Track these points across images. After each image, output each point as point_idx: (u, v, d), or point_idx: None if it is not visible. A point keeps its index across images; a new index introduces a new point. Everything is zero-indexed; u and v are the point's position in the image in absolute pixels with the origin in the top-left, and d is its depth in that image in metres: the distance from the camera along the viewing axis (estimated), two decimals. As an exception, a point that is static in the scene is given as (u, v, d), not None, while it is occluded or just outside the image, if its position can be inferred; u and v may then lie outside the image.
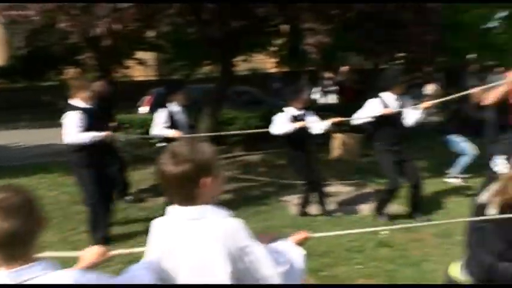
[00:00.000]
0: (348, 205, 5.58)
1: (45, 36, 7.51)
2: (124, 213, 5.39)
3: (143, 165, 7.10)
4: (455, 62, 10.54)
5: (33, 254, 1.18)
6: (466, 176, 6.17)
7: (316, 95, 12.00)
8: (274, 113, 5.03)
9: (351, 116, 4.89)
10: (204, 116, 7.34)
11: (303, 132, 4.80)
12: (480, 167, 3.57)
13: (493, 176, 1.83)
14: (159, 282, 1.38)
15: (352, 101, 9.74)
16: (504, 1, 8.94)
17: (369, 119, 4.72)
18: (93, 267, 1.47)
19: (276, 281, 1.34)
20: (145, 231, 1.55)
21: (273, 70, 18.79)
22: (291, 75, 15.03)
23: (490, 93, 4.31)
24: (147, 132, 5.96)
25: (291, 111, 4.90)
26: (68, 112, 4.19)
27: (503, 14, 10.43)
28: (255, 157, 8.46)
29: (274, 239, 1.62)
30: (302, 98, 4.98)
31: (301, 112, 4.91)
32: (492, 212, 1.72)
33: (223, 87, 7.85)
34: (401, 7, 6.33)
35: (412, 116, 4.69)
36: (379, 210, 4.86)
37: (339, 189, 6.22)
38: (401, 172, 4.72)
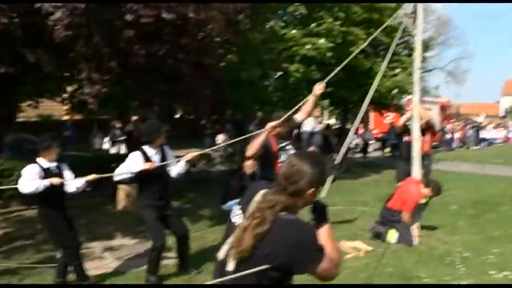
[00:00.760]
0: (130, 259, 5.59)
1: None
2: None
3: None
4: (239, 114, 12.23)
5: None
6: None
7: (106, 145, 11.99)
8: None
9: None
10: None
11: (56, 189, 4.28)
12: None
13: (230, 227, 1.79)
14: None
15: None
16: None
17: (131, 174, 4.57)
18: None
19: None
20: None
21: (66, 118, 18.10)
22: (83, 124, 14.54)
23: (251, 145, 4.47)
24: None
25: (41, 163, 4.33)
26: None
27: (278, 73, 12.79)
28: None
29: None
30: (53, 149, 4.39)
31: (53, 165, 4.40)
32: (230, 269, 1.66)
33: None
34: (181, 61, 7.09)
35: (175, 168, 4.73)
36: (150, 269, 4.61)
37: (122, 243, 6.19)
38: (167, 226, 4.72)
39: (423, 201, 5.85)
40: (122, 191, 5.13)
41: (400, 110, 15.53)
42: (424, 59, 15.88)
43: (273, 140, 4.55)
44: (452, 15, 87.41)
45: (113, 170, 4.90)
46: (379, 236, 5.97)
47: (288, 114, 4.44)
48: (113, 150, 12.10)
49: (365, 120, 22.52)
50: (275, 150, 4.55)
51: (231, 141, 4.98)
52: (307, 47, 10.08)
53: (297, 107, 4.61)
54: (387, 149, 20.11)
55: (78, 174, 4.59)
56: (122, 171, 4.61)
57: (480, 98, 68.96)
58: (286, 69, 10.84)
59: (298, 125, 5.10)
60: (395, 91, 12.39)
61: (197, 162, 9.63)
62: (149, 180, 4.56)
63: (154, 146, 4.65)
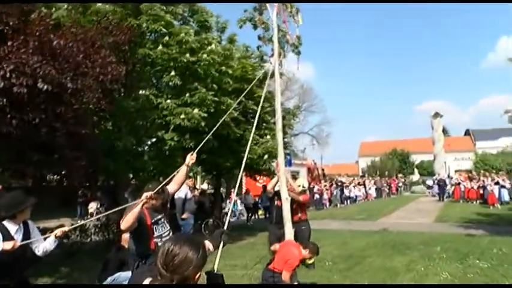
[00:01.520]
0: None
1: None
2: None
3: None
4: (113, 181, 12.29)
5: None
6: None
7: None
8: None
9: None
10: None
11: None
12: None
13: None
14: None
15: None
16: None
17: None
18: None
19: None
20: None
21: None
22: None
23: (126, 218, 4.22)
24: None
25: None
26: None
27: (152, 140, 13.30)
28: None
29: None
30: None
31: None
32: None
33: None
34: (56, 130, 7.29)
35: (43, 246, 4.37)
36: None
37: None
38: None
39: (311, 261, 6.33)
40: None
41: (271, 174, 17.13)
42: (290, 125, 18.00)
43: (146, 212, 4.39)
44: (313, 84, 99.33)
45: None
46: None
47: (162, 185, 4.40)
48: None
49: (240, 185, 23.86)
50: (149, 224, 4.40)
51: (106, 213, 5.04)
52: (182, 116, 10.89)
53: (169, 178, 4.56)
54: (260, 211, 21.63)
55: None
56: None
57: (341, 159, 77.90)
58: (161, 137, 11.47)
59: (171, 196, 5.03)
60: (266, 156, 13.79)
61: (70, 233, 9.40)
62: (7, 260, 4.03)
63: (16, 222, 4.20)
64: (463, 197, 27.31)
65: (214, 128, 5.49)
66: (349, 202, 29.31)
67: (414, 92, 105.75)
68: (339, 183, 30.48)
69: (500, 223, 16.21)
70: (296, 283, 6.50)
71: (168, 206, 5.41)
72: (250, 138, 5.76)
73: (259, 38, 8.19)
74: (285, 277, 6.05)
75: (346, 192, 29.65)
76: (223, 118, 6.81)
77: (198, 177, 40.00)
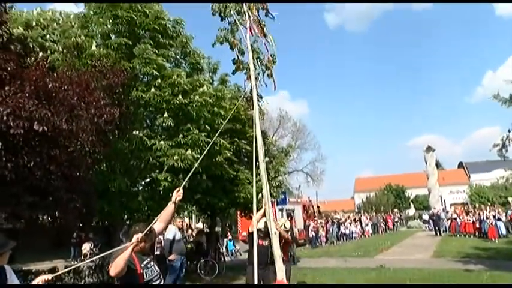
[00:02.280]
0: None
1: None
2: None
3: None
4: (108, 223, 12.26)
5: None
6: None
7: None
8: None
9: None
10: None
11: None
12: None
13: None
14: None
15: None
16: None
17: None
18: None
19: None
20: None
21: None
22: None
23: (115, 263, 3.98)
24: None
25: None
26: None
27: (146, 180, 13.35)
28: None
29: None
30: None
31: None
32: None
33: None
34: (51, 173, 7.36)
35: None
36: None
37: None
38: None
39: None
40: None
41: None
42: (283, 164, 18.13)
43: (135, 257, 4.09)
44: (306, 121, 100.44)
45: None
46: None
47: (150, 226, 4.19)
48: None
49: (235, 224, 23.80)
50: (139, 270, 4.11)
51: (100, 255, 4.95)
52: (175, 157, 11.01)
53: (157, 218, 4.39)
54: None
55: None
56: None
57: (337, 195, 77.77)
58: (155, 177, 11.53)
59: (158, 235, 4.83)
60: (260, 195, 13.84)
61: (63, 275, 9.22)
62: None
63: None
64: (459, 231, 27.22)
65: (199, 161, 5.57)
66: (345, 239, 29.08)
67: (406, 127, 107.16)
68: (335, 220, 30.33)
69: (498, 257, 16.14)
70: None
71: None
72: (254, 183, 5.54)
73: (234, 62, 8.33)
74: None
75: (342, 229, 29.47)
76: (202, 157, 6.73)
77: (194, 217, 39.76)
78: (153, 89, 11.35)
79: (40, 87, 7.10)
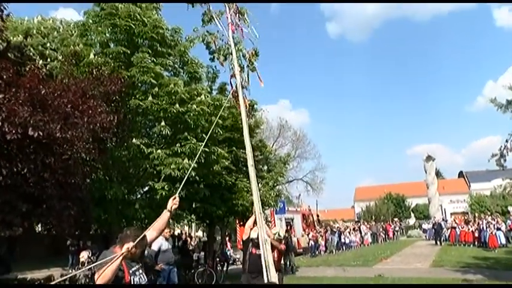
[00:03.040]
0: None
1: None
2: None
3: None
4: (106, 231, 12.17)
5: None
6: None
7: None
8: None
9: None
10: None
11: None
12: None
13: None
14: None
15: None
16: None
17: None
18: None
19: None
20: None
21: None
22: None
23: (104, 272, 3.90)
24: None
25: None
26: None
27: (144, 188, 13.29)
28: None
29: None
30: None
31: None
32: None
33: None
34: (45, 180, 7.29)
35: None
36: None
37: None
38: None
39: None
40: None
41: (265, 222, 17.02)
42: (282, 174, 18.00)
43: (124, 264, 4.00)
44: (307, 130, 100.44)
45: None
46: None
47: (143, 234, 4.06)
48: None
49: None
50: (127, 278, 4.02)
51: (95, 264, 4.82)
52: (172, 166, 10.96)
53: (152, 225, 4.27)
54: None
55: None
56: None
57: (337, 204, 77.50)
58: (152, 186, 11.47)
59: (150, 243, 4.71)
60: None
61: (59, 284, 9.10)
62: None
63: None
64: (458, 240, 27.05)
65: (191, 167, 5.45)
66: (344, 248, 28.89)
67: (406, 136, 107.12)
68: (335, 230, 30.17)
69: (498, 267, 15.99)
70: None
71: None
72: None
73: (211, 58, 8.04)
74: None
75: (341, 238, 29.31)
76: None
77: (193, 225, 39.61)
78: (150, 98, 11.32)
79: (35, 95, 7.07)
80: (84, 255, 16.73)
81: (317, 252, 25.87)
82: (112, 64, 11.37)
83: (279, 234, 8.12)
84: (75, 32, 12.89)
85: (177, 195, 4.37)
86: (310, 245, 25.66)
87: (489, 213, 36.17)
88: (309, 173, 47.70)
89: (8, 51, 9.00)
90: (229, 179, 13.30)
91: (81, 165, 8.79)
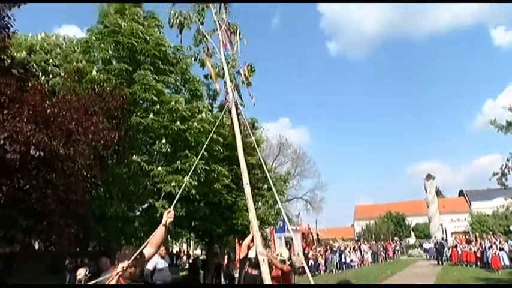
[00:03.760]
0: None
1: None
2: None
3: None
4: (104, 248, 12.05)
5: None
6: None
7: None
8: None
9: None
10: None
11: None
12: None
13: None
14: None
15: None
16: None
17: None
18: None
19: None
20: None
21: None
22: None
23: None
24: None
25: None
26: None
27: (144, 206, 13.25)
28: None
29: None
30: None
31: None
32: None
33: None
34: (47, 197, 7.29)
35: None
36: None
37: None
38: None
39: None
40: None
41: (264, 241, 16.92)
42: (281, 192, 17.99)
43: (123, 283, 3.85)
44: (306, 148, 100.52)
45: None
46: None
47: (140, 250, 3.90)
48: None
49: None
50: None
51: (91, 282, 4.71)
52: (173, 184, 10.96)
53: (146, 242, 4.12)
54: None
55: None
56: None
57: (337, 223, 76.93)
58: (152, 203, 11.45)
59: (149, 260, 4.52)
60: (258, 223, 13.72)
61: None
62: None
63: None
64: (460, 260, 26.81)
65: (187, 178, 5.41)
66: (344, 267, 28.61)
67: (406, 155, 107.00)
68: (335, 249, 29.92)
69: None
70: None
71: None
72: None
73: (206, 76, 7.91)
74: None
75: (342, 257, 29.06)
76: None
77: (192, 243, 39.31)
78: (152, 115, 11.39)
79: (38, 112, 7.12)
80: (81, 273, 16.48)
81: (317, 272, 25.62)
82: (114, 81, 11.48)
83: (281, 255, 7.59)
84: (78, 48, 13.05)
85: (171, 208, 4.24)
86: (309, 264, 25.42)
87: (491, 232, 35.95)
88: (308, 192, 47.62)
89: (12, 68, 9.08)
90: (229, 197, 13.29)
91: (81, 182, 8.80)
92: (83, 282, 14.03)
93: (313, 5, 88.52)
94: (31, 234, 7.33)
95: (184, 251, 32.64)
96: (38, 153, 6.60)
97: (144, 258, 4.04)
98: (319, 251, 28.41)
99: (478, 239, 27.76)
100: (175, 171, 11.26)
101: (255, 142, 11.04)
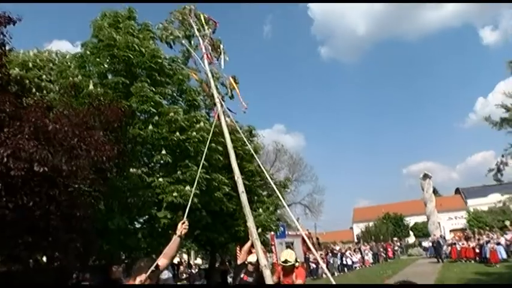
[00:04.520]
0: None
1: None
2: None
3: None
4: (106, 261, 11.97)
5: None
6: None
7: None
8: None
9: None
10: None
11: None
12: None
13: None
14: None
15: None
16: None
17: None
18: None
19: None
20: None
21: None
22: None
23: None
24: None
25: None
26: None
27: (145, 218, 13.19)
28: None
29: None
30: None
31: None
32: None
33: None
34: (50, 213, 7.26)
35: None
36: None
37: None
38: None
39: None
40: None
41: (265, 246, 16.93)
42: (280, 199, 17.98)
43: None
44: (303, 153, 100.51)
45: None
46: None
47: (156, 262, 3.87)
48: None
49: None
50: None
51: None
52: (174, 194, 10.96)
53: (163, 253, 4.12)
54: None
55: None
56: None
57: (336, 226, 76.97)
58: (154, 214, 11.43)
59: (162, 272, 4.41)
60: (259, 230, 13.73)
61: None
62: None
63: None
64: (459, 256, 26.96)
65: (196, 180, 5.28)
66: (346, 269, 28.62)
67: (401, 156, 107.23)
68: (336, 252, 29.94)
69: (501, 283, 15.89)
70: None
71: None
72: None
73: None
74: None
75: (343, 259, 29.09)
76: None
77: (192, 253, 39.11)
78: (150, 126, 11.40)
79: (40, 128, 7.11)
80: (84, 288, 16.41)
81: (319, 275, 25.60)
82: (111, 94, 11.47)
83: (287, 260, 6.71)
84: (72, 63, 13.03)
85: (185, 219, 4.27)
86: (311, 268, 25.44)
87: (488, 228, 36.12)
88: (306, 196, 47.68)
89: (9, 85, 9.06)
90: (230, 205, 13.28)
91: (83, 197, 8.77)
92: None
93: (305, 11, 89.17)
94: (35, 250, 7.28)
95: (185, 261, 32.44)
96: (41, 169, 6.59)
97: (159, 270, 4.02)
98: (321, 254, 28.42)
99: (476, 235, 27.89)
100: (177, 181, 11.27)
101: (252, 150, 11.10)
